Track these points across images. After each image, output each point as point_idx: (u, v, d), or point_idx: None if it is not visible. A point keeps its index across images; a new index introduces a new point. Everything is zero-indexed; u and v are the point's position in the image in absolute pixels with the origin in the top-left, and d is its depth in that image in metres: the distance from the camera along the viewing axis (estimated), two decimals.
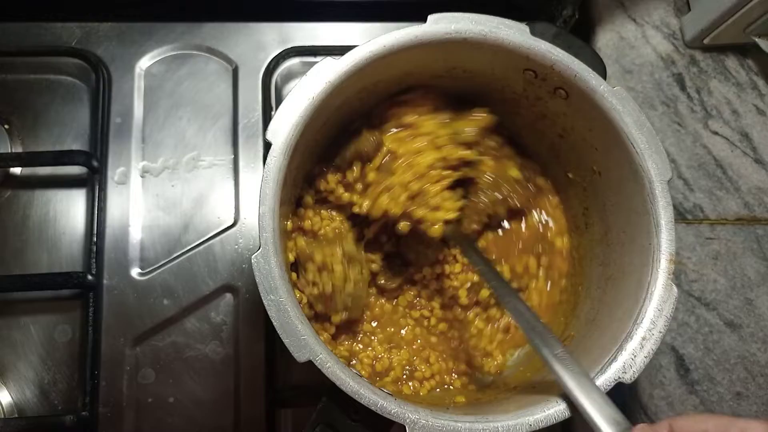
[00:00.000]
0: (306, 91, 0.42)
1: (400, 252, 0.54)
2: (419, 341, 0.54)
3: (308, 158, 0.49)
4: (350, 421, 0.39)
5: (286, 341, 0.38)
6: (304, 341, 0.38)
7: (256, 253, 0.39)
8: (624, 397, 0.60)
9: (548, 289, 0.55)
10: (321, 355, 0.38)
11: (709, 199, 0.65)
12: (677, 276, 0.62)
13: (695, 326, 0.61)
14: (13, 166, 0.60)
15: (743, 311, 0.62)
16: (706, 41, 0.67)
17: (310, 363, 0.38)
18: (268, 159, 0.41)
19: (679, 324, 0.61)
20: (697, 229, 0.64)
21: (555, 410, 0.39)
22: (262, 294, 0.39)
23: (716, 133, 0.66)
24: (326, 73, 0.43)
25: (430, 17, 0.44)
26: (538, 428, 0.39)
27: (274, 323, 0.38)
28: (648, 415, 0.59)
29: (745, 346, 0.61)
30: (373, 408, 0.38)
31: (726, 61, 0.68)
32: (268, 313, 0.38)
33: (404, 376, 0.52)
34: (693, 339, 0.61)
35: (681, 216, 0.64)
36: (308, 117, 0.42)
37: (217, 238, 0.60)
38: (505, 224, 0.56)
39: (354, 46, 0.43)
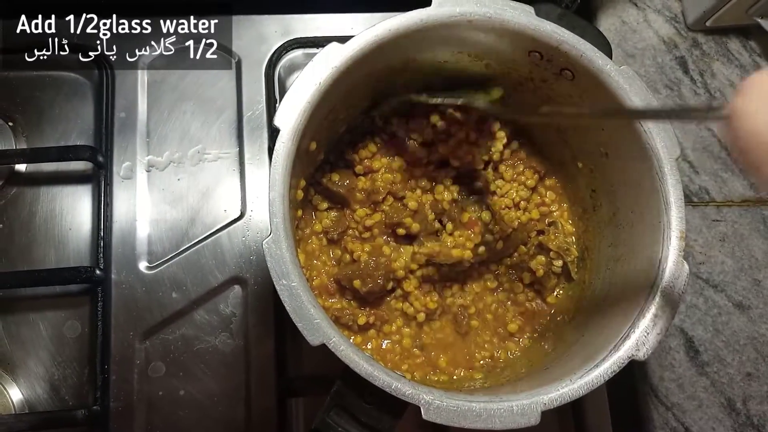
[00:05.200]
0: (313, 76, 0.42)
1: None
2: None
3: (318, 147, 0.49)
4: (365, 404, 0.39)
5: (299, 325, 0.38)
6: (317, 325, 0.38)
7: (267, 239, 0.39)
8: (634, 380, 0.60)
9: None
10: (334, 339, 0.38)
11: (715, 182, 0.65)
12: (684, 259, 0.62)
13: (704, 308, 0.61)
14: (19, 163, 0.60)
15: (752, 292, 0.62)
16: (708, 23, 0.67)
17: (323, 348, 0.38)
18: (277, 145, 0.41)
19: (688, 306, 0.61)
20: (703, 212, 0.64)
21: (569, 389, 0.39)
22: (274, 279, 0.39)
23: None
24: (332, 58, 0.43)
25: (434, 0, 0.44)
26: (552, 407, 0.39)
27: (287, 308, 0.38)
28: (658, 398, 0.59)
29: (754, 327, 0.61)
30: (387, 390, 0.38)
31: (729, 44, 0.68)
32: (281, 297, 0.38)
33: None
34: (702, 321, 0.61)
35: (687, 198, 0.64)
36: (315, 102, 0.42)
37: (224, 231, 0.60)
38: None
39: None
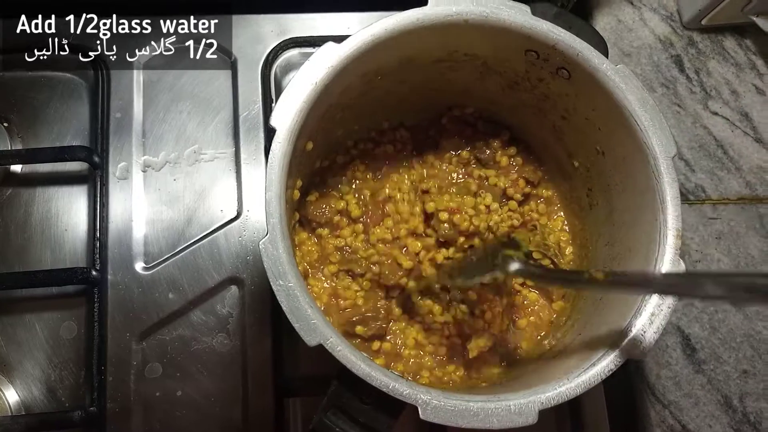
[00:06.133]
0: (309, 76, 0.42)
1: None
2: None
3: (314, 147, 0.49)
4: (362, 404, 0.39)
5: (296, 326, 0.38)
6: (314, 325, 0.38)
7: (263, 239, 0.39)
8: (631, 378, 0.60)
9: None
10: (331, 339, 0.38)
11: (711, 180, 0.65)
12: (681, 256, 0.62)
13: (700, 306, 0.61)
14: (14, 164, 0.60)
15: None
16: (703, 22, 0.67)
17: (319, 348, 0.38)
18: (273, 145, 0.41)
19: (685, 304, 0.61)
20: (699, 210, 0.64)
21: (566, 388, 0.39)
22: (270, 279, 0.39)
23: (716, 114, 0.66)
24: (328, 58, 0.42)
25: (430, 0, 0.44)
26: (549, 406, 0.39)
27: (284, 308, 0.38)
28: (655, 395, 0.59)
29: (750, 325, 0.61)
30: (384, 390, 0.38)
31: (724, 42, 0.68)
32: (278, 298, 0.38)
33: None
34: (698, 319, 0.61)
35: (683, 197, 0.64)
36: (312, 102, 0.42)
37: (221, 231, 0.60)
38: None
39: None
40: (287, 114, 0.41)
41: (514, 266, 0.43)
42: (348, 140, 0.56)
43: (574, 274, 0.48)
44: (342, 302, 0.52)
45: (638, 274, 0.42)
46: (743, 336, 0.60)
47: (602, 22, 0.68)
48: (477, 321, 0.51)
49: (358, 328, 0.50)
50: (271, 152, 0.41)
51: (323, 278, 0.53)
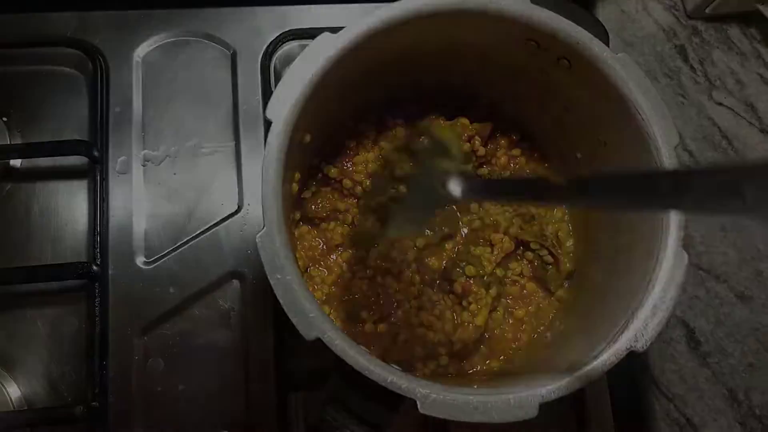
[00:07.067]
0: (305, 67, 0.42)
1: None
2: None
3: (312, 139, 0.49)
4: (361, 399, 0.39)
5: (294, 320, 0.38)
6: (312, 319, 0.38)
7: (260, 233, 0.39)
8: (635, 371, 0.60)
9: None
10: (329, 333, 0.38)
11: None
12: (685, 249, 0.61)
13: (705, 299, 0.61)
14: (13, 158, 0.60)
15: (754, 283, 0.61)
16: (708, 11, 0.66)
17: (318, 342, 0.38)
18: (269, 138, 0.40)
19: (689, 297, 0.61)
20: None
21: (567, 381, 0.39)
22: (268, 273, 0.38)
23: (721, 104, 0.65)
24: (325, 48, 0.42)
25: None
26: (550, 399, 0.38)
27: (282, 302, 0.38)
28: (660, 389, 0.59)
29: (756, 318, 0.60)
30: (382, 383, 0.37)
31: (729, 31, 0.67)
32: (275, 292, 0.38)
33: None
34: (703, 312, 0.60)
35: None
36: (308, 94, 0.41)
37: (222, 225, 0.60)
38: None
39: None
40: (283, 106, 0.41)
41: (456, 190, 0.38)
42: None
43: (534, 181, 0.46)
44: (347, 296, 0.51)
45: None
46: (749, 329, 0.60)
47: (605, 12, 0.68)
48: (463, 313, 0.51)
49: (363, 314, 0.50)
50: (267, 145, 0.40)
51: (326, 269, 0.53)
